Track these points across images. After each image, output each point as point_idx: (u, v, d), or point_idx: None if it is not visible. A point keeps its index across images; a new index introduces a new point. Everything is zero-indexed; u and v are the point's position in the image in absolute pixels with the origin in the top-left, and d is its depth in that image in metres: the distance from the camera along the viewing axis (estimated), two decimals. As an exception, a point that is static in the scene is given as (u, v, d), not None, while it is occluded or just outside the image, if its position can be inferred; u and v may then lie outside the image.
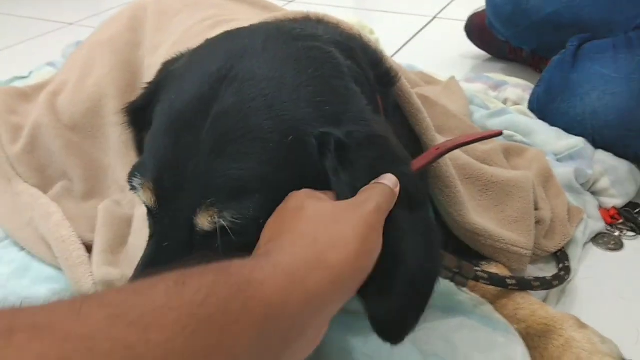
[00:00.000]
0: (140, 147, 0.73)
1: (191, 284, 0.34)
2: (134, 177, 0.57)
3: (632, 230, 1.01)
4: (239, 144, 0.54)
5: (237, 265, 0.39)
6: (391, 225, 0.52)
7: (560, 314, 0.75)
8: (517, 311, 0.76)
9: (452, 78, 1.41)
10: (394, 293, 0.53)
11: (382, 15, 2.34)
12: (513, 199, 0.90)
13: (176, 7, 1.17)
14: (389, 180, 0.53)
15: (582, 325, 0.73)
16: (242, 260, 0.40)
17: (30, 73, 1.61)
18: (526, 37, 1.52)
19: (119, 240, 0.91)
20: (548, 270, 0.90)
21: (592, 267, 0.93)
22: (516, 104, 1.37)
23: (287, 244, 0.46)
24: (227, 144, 0.54)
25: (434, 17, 2.23)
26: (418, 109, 0.83)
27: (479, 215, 0.85)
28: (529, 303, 0.77)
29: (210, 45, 0.67)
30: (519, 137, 1.19)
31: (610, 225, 1.02)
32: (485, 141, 1.01)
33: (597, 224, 1.00)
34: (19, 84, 1.49)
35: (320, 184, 0.55)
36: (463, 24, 1.79)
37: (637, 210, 1.05)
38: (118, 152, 1.05)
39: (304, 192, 0.53)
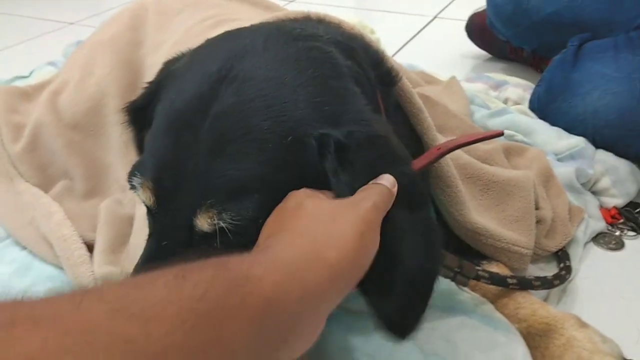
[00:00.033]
0: (140, 146, 0.73)
1: (191, 278, 0.34)
2: (134, 176, 0.57)
3: (633, 229, 1.01)
4: (238, 144, 0.54)
5: (235, 260, 0.39)
6: (389, 224, 0.52)
7: (561, 314, 0.75)
8: (518, 310, 0.76)
9: (453, 78, 1.41)
10: (394, 293, 0.53)
11: (382, 15, 2.34)
12: (514, 198, 0.91)
13: (177, 6, 1.17)
14: (387, 180, 0.54)
15: (583, 325, 0.73)
16: (241, 255, 0.41)
17: (31, 72, 1.61)
18: (527, 37, 1.52)
19: (120, 240, 0.91)
20: (549, 270, 0.90)
21: (592, 266, 0.93)
22: (517, 103, 1.37)
23: (285, 241, 0.46)
24: (226, 144, 0.54)
25: (435, 17, 2.23)
26: (419, 109, 0.83)
27: (479, 215, 0.85)
28: (530, 302, 0.77)
29: (211, 45, 0.67)
30: (519, 136, 1.19)
31: (611, 224, 1.02)
32: (486, 141, 1.01)
33: (598, 224, 1.00)
34: (19, 83, 1.49)
35: (320, 184, 0.55)
36: (464, 23, 1.79)
37: (638, 210, 1.05)
38: (119, 151, 1.05)
39: (303, 191, 0.53)
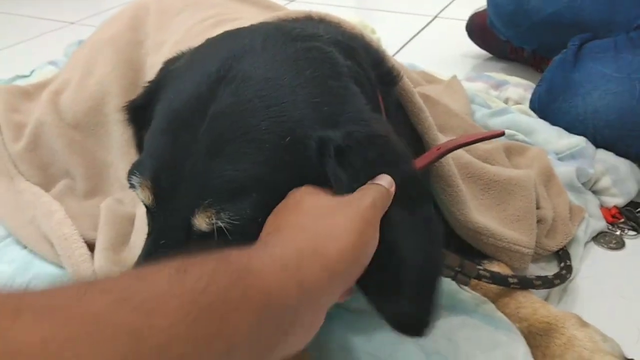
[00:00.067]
0: (140, 145, 0.73)
1: (192, 271, 0.35)
2: (133, 175, 0.57)
3: (633, 229, 1.01)
4: (237, 145, 0.54)
5: (236, 254, 0.40)
6: (389, 223, 0.53)
7: (562, 313, 0.75)
8: (519, 310, 0.77)
9: (454, 77, 1.41)
10: (398, 293, 0.53)
11: (383, 15, 2.35)
12: (515, 197, 0.91)
13: (178, 6, 1.17)
14: (384, 180, 0.54)
15: (584, 324, 0.73)
16: (241, 249, 0.41)
17: (32, 72, 1.61)
18: (527, 37, 1.52)
19: (121, 239, 0.91)
20: (550, 269, 0.90)
21: (593, 266, 0.93)
22: (517, 103, 1.37)
23: (283, 236, 0.47)
24: (225, 144, 0.54)
25: (435, 17, 2.23)
26: (420, 108, 0.83)
27: (480, 214, 0.85)
28: (531, 302, 0.77)
29: (210, 45, 0.67)
30: (520, 136, 1.19)
31: (612, 224, 1.02)
32: (487, 140, 1.01)
33: (599, 223, 1.00)
34: (20, 82, 1.49)
35: (319, 183, 0.55)
36: (464, 23, 1.79)
37: (638, 210, 1.05)
38: (120, 151, 1.05)
39: (304, 188, 0.54)
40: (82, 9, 2.52)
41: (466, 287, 0.78)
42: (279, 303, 0.39)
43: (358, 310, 0.74)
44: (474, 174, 0.91)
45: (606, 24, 1.30)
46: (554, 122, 1.23)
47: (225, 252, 0.39)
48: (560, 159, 1.13)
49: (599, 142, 1.16)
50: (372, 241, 0.50)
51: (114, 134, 1.07)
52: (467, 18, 1.78)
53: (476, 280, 0.76)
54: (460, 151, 0.90)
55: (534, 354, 0.72)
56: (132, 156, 0.93)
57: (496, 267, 0.84)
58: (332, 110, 0.57)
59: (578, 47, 1.27)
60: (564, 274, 0.84)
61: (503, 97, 1.40)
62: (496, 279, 0.76)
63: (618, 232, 1.01)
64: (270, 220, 0.52)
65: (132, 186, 0.58)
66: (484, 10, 1.66)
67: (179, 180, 0.54)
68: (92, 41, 1.23)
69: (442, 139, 0.83)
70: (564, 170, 1.05)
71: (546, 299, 0.83)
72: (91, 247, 0.91)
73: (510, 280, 0.77)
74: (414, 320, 0.55)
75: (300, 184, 0.55)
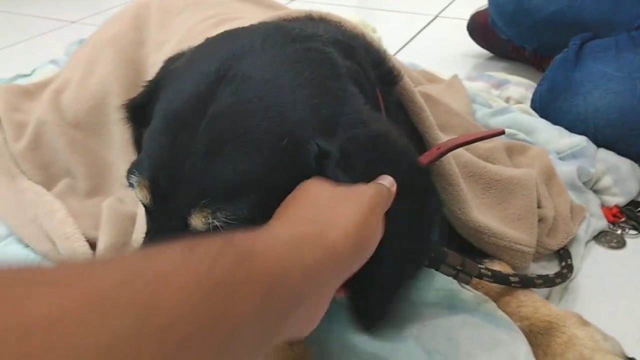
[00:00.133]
0: (138, 144, 0.73)
1: (197, 252, 0.35)
2: (132, 175, 0.58)
3: (634, 228, 1.01)
4: (235, 145, 0.54)
5: (240, 236, 0.40)
6: (389, 220, 0.53)
7: (563, 312, 0.75)
8: (520, 309, 0.77)
9: (455, 76, 1.41)
10: (370, 285, 0.54)
11: (384, 14, 2.34)
12: (516, 196, 0.91)
13: (179, 5, 1.17)
14: (386, 181, 0.55)
15: (585, 323, 0.73)
16: (244, 232, 0.41)
17: (33, 71, 1.61)
18: (528, 36, 1.52)
19: (123, 238, 0.91)
20: (551, 268, 0.90)
21: (594, 265, 0.93)
22: (519, 102, 1.37)
23: (286, 222, 0.48)
24: (224, 144, 0.54)
25: (436, 16, 2.23)
26: (421, 107, 0.83)
27: (481, 213, 0.85)
28: (532, 300, 0.77)
29: (210, 44, 0.67)
30: (521, 135, 1.19)
31: (613, 223, 1.02)
32: (488, 139, 1.01)
33: (600, 222, 1.01)
34: (21, 81, 1.49)
35: None
36: (465, 22, 1.79)
37: (639, 209, 1.05)
38: (121, 150, 1.05)
39: (312, 179, 0.54)
40: (83, 8, 2.52)
41: (467, 286, 0.78)
42: (283, 285, 0.39)
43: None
44: (475, 173, 0.91)
45: (607, 23, 1.30)
46: (555, 122, 1.23)
47: (230, 234, 0.39)
48: (561, 158, 1.13)
49: (600, 142, 1.16)
50: (376, 230, 0.51)
51: (115, 133, 1.07)
52: (468, 17, 1.78)
53: (477, 279, 0.76)
54: (461, 150, 0.90)
55: (535, 353, 0.72)
56: (133, 155, 0.93)
57: (497, 266, 0.84)
58: (331, 112, 0.57)
59: (579, 47, 1.27)
60: (565, 273, 0.84)
61: (504, 97, 1.40)
62: (497, 277, 0.76)
63: (619, 232, 1.01)
64: (279, 210, 0.52)
65: (130, 185, 0.58)
66: (485, 10, 1.67)
67: (178, 180, 0.54)
68: (93, 40, 1.23)
69: (443, 138, 0.84)
70: (565, 170, 1.05)
71: (547, 297, 0.83)
72: (93, 246, 0.91)
73: (512, 279, 0.77)
74: (372, 313, 0.56)
75: (298, 184, 0.55)
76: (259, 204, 0.53)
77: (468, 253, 0.80)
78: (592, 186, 1.08)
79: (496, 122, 1.25)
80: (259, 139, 0.54)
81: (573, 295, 0.87)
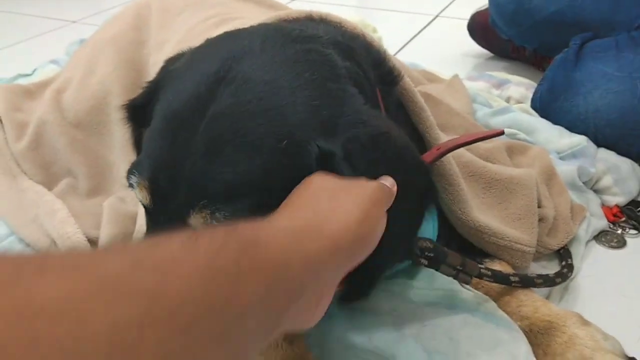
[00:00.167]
0: (138, 144, 0.73)
1: (203, 239, 0.36)
2: (132, 175, 0.58)
3: (635, 228, 1.01)
4: (235, 146, 0.54)
5: (243, 226, 0.40)
6: (389, 218, 0.54)
7: (563, 311, 0.75)
8: (520, 308, 0.77)
9: (456, 76, 1.41)
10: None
11: (384, 14, 2.34)
12: (516, 196, 0.91)
13: (180, 5, 1.17)
14: (388, 181, 0.55)
15: (585, 323, 0.73)
16: (247, 223, 0.42)
17: (34, 71, 1.61)
18: (529, 36, 1.52)
19: (124, 237, 0.91)
20: (551, 268, 0.90)
21: (594, 264, 0.93)
22: (519, 102, 1.37)
23: (287, 213, 0.48)
24: (223, 145, 0.54)
25: (437, 16, 2.23)
26: (421, 107, 0.83)
27: (482, 213, 0.86)
28: (532, 300, 0.77)
29: (210, 45, 0.67)
30: (521, 135, 1.19)
31: (613, 223, 1.02)
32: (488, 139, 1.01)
33: (600, 222, 1.01)
34: (22, 81, 1.49)
35: None
36: (465, 22, 1.79)
37: (639, 209, 1.05)
38: (122, 150, 1.05)
39: (316, 173, 0.54)
40: (84, 7, 2.52)
41: (468, 286, 0.78)
42: (285, 275, 0.40)
43: (359, 309, 0.74)
44: (476, 172, 0.92)
45: (607, 23, 1.30)
46: (555, 121, 1.23)
47: (233, 225, 0.39)
48: (561, 158, 1.13)
49: (600, 141, 1.16)
50: (377, 224, 0.51)
51: (116, 133, 1.07)
52: (468, 17, 1.78)
53: (478, 279, 0.76)
54: (461, 150, 0.90)
55: (535, 353, 0.72)
56: (133, 155, 0.93)
57: (498, 266, 0.84)
58: (330, 113, 0.57)
59: (579, 46, 1.27)
60: (565, 273, 0.84)
61: (505, 96, 1.41)
62: (498, 277, 0.77)
63: (619, 231, 1.01)
64: (282, 204, 0.53)
65: (130, 186, 0.58)
66: (486, 10, 1.67)
67: (177, 181, 0.55)
68: (94, 40, 1.23)
69: (444, 137, 0.84)
70: (566, 169, 1.05)
71: (547, 297, 0.83)
72: (94, 245, 0.91)
73: (512, 278, 0.77)
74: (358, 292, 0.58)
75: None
76: (258, 204, 0.53)
77: (468, 253, 0.80)
78: (593, 186, 1.08)
79: (496, 122, 1.25)
80: (258, 140, 0.54)
81: (573, 294, 0.87)
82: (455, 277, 0.74)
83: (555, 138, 1.18)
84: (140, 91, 0.72)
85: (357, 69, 0.68)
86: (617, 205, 1.05)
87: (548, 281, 0.81)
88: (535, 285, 0.80)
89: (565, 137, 1.18)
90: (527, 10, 1.43)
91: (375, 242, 0.51)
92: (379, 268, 0.59)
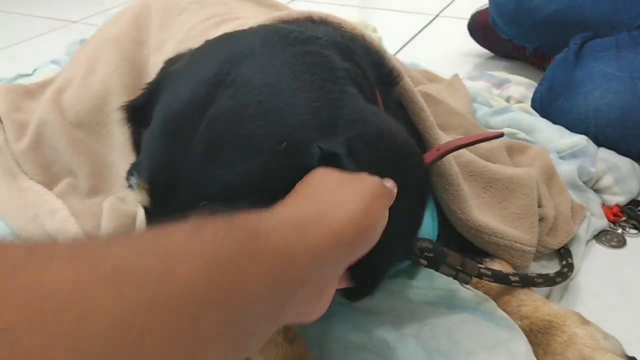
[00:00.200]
0: (137, 145, 0.73)
1: (207, 229, 0.36)
2: (131, 176, 0.58)
3: (635, 227, 1.01)
4: (234, 148, 0.54)
5: (245, 217, 0.41)
6: (389, 218, 0.53)
7: (563, 311, 0.75)
8: (520, 308, 0.77)
9: (456, 76, 1.41)
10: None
11: (385, 14, 2.35)
12: (516, 196, 0.91)
13: (181, 4, 1.17)
14: (389, 183, 0.55)
15: (585, 322, 0.74)
16: (249, 214, 0.42)
17: (35, 71, 1.61)
18: (529, 36, 1.52)
19: (124, 236, 0.92)
20: (551, 267, 0.90)
21: (594, 264, 0.94)
22: (519, 102, 1.37)
23: (289, 204, 0.48)
24: (223, 147, 0.54)
25: (437, 16, 2.23)
26: (421, 107, 0.83)
27: (482, 213, 0.86)
28: (532, 300, 0.77)
29: (209, 47, 0.67)
30: (522, 134, 1.19)
31: (613, 222, 1.02)
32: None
33: (600, 222, 1.01)
34: (23, 81, 1.49)
35: None
36: (466, 22, 1.79)
37: (640, 208, 1.05)
38: (123, 150, 1.05)
39: (319, 168, 0.54)
40: (85, 7, 2.52)
41: (467, 286, 0.78)
42: (287, 265, 0.40)
43: (360, 308, 0.75)
44: (475, 172, 0.92)
45: (608, 22, 1.30)
46: (555, 121, 1.23)
47: (234, 216, 0.40)
48: (561, 158, 1.13)
49: (600, 141, 1.16)
50: (379, 217, 0.51)
51: (116, 133, 1.07)
52: (468, 17, 1.78)
53: (477, 279, 0.76)
54: (461, 150, 0.90)
55: (535, 352, 0.72)
56: (133, 156, 0.93)
57: (497, 265, 0.84)
58: (330, 114, 0.57)
59: (579, 46, 1.27)
60: (566, 272, 0.84)
61: (505, 96, 1.41)
62: (497, 277, 0.77)
63: (619, 231, 1.01)
64: (287, 195, 0.53)
65: (130, 187, 0.58)
66: (486, 9, 1.67)
67: (176, 182, 0.55)
68: (94, 40, 1.23)
69: (444, 137, 0.84)
70: (566, 169, 1.05)
71: (547, 296, 0.83)
72: (94, 245, 0.91)
73: (512, 278, 0.78)
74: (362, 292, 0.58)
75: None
76: (257, 207, 0.53)
77: (468, 252, 0.81)
78: (593, 185, 1.08)
79: (497, 122, 1.25)
80: (258, 141, 0.54)
81: (573, 294, 0.87)
82: (455, 277, 0.74)
83: (555, 138, 1.18)
84: (140, 92, 0.72)
85: (357, 70, 0.68)
86: (617, 205, 1.05)
87: (548, 281, 0.81)
88: (536, 284, 0.80)
89: (566, 137, 1.18)
90: (528, 9, 1.43)
91: (377, 237, 0.51)
92: (381, 267, 0.59)
